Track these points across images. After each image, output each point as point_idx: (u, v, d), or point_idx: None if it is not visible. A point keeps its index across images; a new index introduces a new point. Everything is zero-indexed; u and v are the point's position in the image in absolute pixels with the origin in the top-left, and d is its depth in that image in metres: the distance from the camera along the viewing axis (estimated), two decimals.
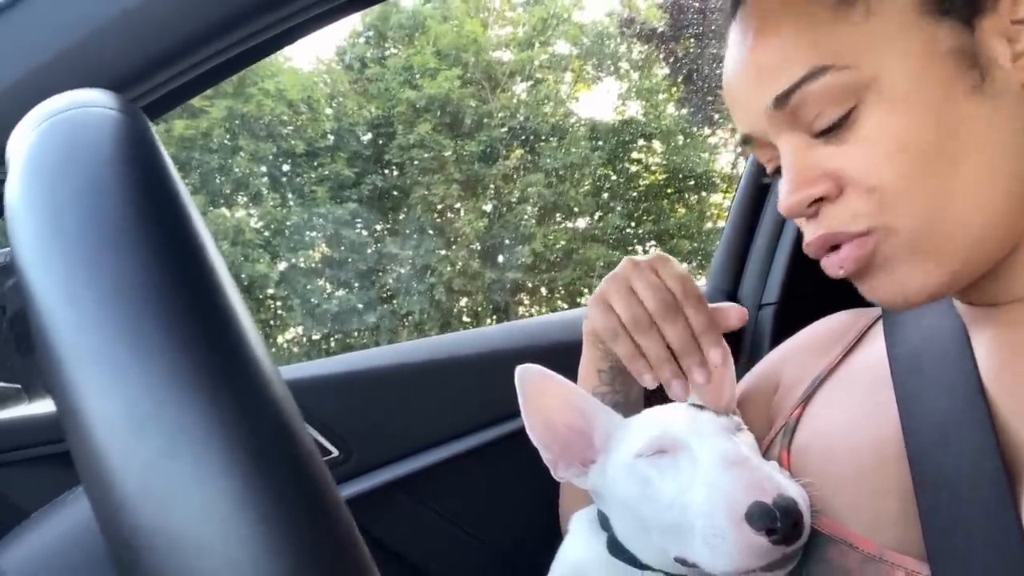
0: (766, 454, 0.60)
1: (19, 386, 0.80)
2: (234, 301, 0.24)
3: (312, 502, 0.22)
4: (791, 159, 0.49)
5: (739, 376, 0.72)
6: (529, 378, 0.59)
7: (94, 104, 0.26)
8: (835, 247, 0.50)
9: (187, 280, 0.23)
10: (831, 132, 0.47)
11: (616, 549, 0.60)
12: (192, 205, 0.25)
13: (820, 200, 0.49)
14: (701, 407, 0.61)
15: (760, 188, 1.10)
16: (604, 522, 0.62)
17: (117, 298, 0.22)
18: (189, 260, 0.23)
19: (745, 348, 1.09)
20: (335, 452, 0.87)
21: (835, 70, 0.45)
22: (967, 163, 0.45)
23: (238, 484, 0.21)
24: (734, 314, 0.62)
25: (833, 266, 0.50)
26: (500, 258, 10.36)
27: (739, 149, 0.59)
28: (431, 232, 10.22)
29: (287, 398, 0.23)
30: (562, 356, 0.79)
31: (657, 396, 0.65)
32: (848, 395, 0.58)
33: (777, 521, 0.47)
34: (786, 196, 0.49)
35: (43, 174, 0.24)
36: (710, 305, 0.62)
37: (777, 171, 0.52)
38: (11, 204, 0.26)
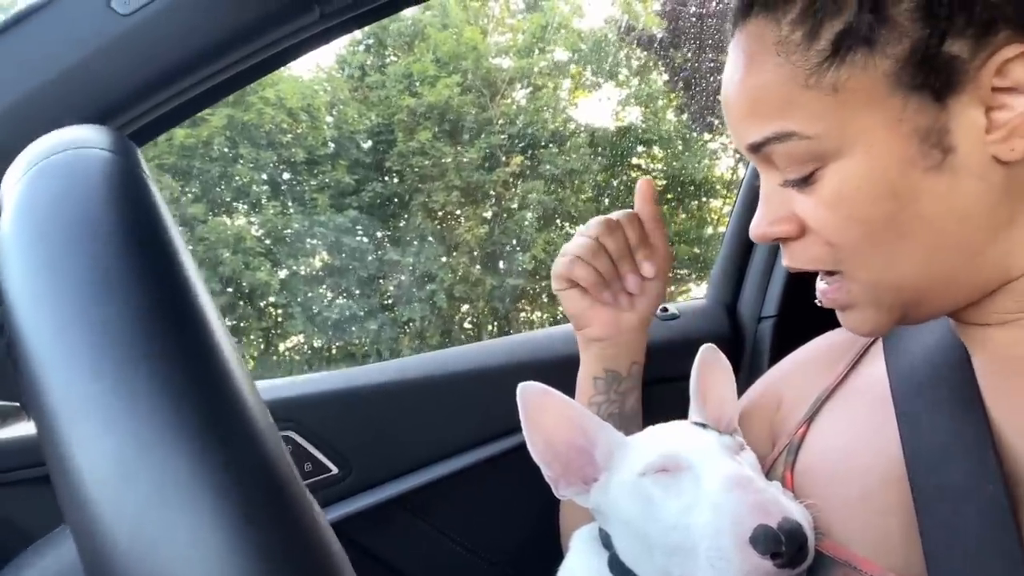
0: (769, 474, 0.60)
1: (18, 404, 0.79)
2: (224, 346, 0.23)
3: (303, 547, 0.21)
4: (765, 192, 0.53)
5: (739, 390, 0.72)
6: (530, 395, 0.59)
7: (86, 145, 0.26)
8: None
9: (174, 326, 0.23)
10: (797, 183, 0.49)
11: (617, 568, 0.59)
12: (183, 246, 0.25)
13: (785, 238, 0.52)
14: (704, 425, 0.61)
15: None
16: (606, 540, 0.62)
17: (105, 344, 0.22)
18: (176, 306, 0.23)
19: (745, 361, 1.08)
20: (334, 469, 0.87)
21: (800, 137, 0.47)
22: (918, 234, 0.47)
23: (227, 532, 0.20)
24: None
25: (819, 293, 0.55)
26: (501, 265, 10.36)
27: (739, 154, 0.61)
28: (432, 239, 10.22)
29: (277, 443, 0.23)
30: (563, 370, 0.79)
31: (652, 410, 0.65)
32: (851, 414, 0.58)
33: (782, 545, 0.46)
34: (755, 225, 0.54)
35: (35, 219, 0.24)
36: None
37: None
38: (3, 243, 0.25)
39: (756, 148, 0.50)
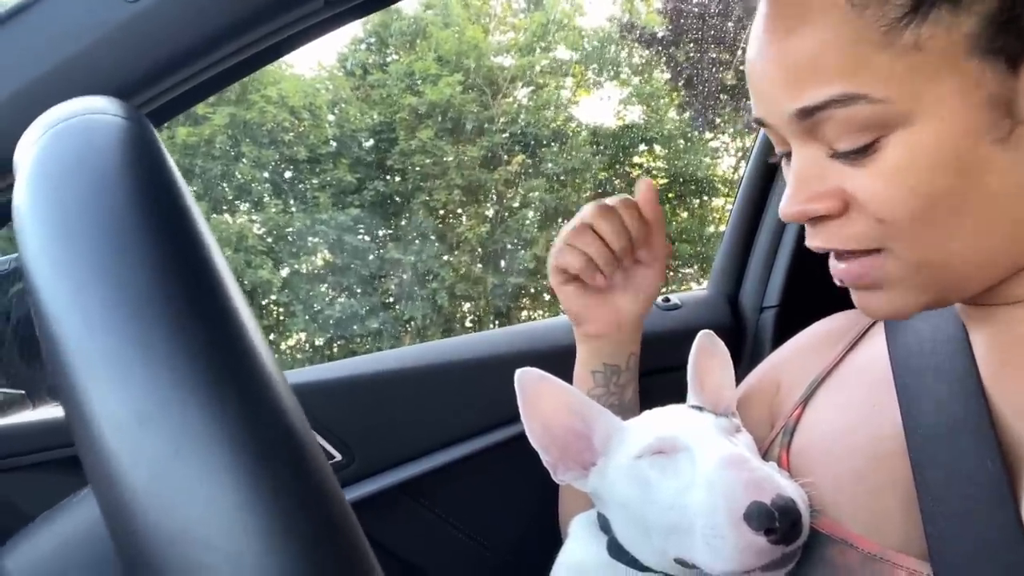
0: (766, 455, 0.61)
1: (23, 392, 0.80)
2: (238, 304, 0.24)
3: (315, 500, 0.22)
4: (801, 167, 0.48)
5: (739, 379, 0.72)
6: (528, 381, 0.59)
7: (100, 111, 0.27)
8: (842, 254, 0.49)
9: (191, 283, 0.23)
10: (850, 155, 0.45)
11: (617, 551, 0.60)
12: (197, 210, 0.26)
13: (824, 216, 0.48)
14: (700, 408, 0.61)
15: (761, 191, 1.10)
16: (604, 525, 0.62)
17: (123, 302, 0.22)
18: (193, 264, 0.24)
19: (746, 351, 1.09)
20: (338, 456, 0.87)
21: (868, 101, 0.43)
22: (976, 209, 0.44)
23: (242, 482, 0.21)
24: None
25: (836, 274, 0.50)
26: (502, 263, 10.36)
27: (741, 153, 0.59)
28: (433, 237, 10.23)
29: (290, 397, 0.24)
30: (563, 360, 0.79)
31: (654, 399, 0.66)
32: (848, 395, 0.59)
33: (776, 521, 0.47)
34: (788, 203, 0.48)
35: (50, 180, 0.25)
36: None
37: (787, 155, 0.51)
38: (19, 210, 0.26)
39: (808, 113, 0.45)
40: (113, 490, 0.21)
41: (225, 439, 0.21)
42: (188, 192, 0.26)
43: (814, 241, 0.50)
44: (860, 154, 0.44)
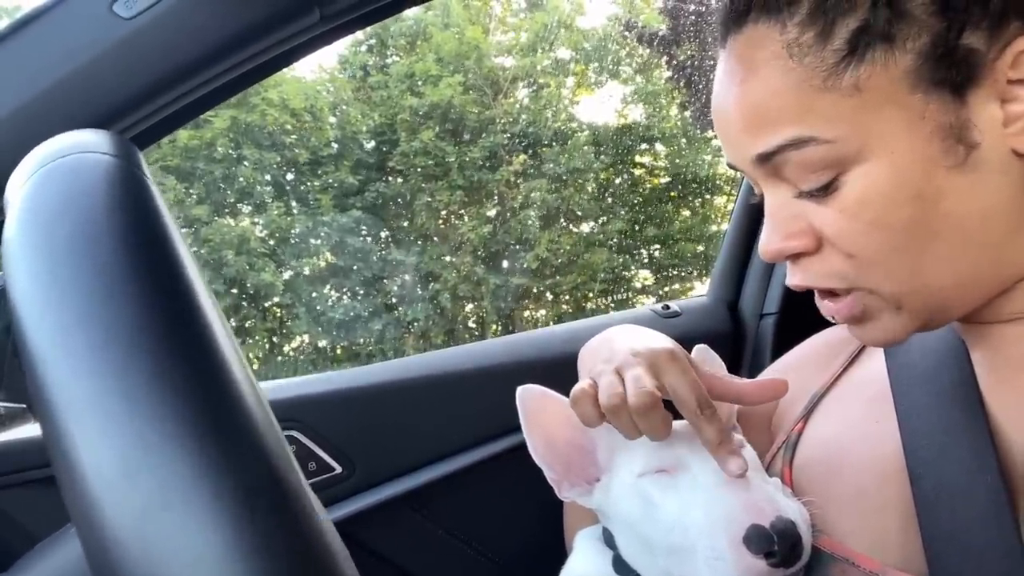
0: (768, 470, 0.60)
1: (24, 406, 0.80)
2: (225, 346, 0.24)
3: (301, 545, 0.22)
4: (772, 208, 0.50)
5: None
6: (529, 398, 0.59)
7: (90, 149, 0.26)
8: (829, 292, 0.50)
9: (177, 327, 0.23)
10: (814, 194, 0.47)
11: (621, 568, 0.60)
12: (185, 250, 0.26)
13: (800, 253, 0.49)
14: None
15: (760, 198, 1.10)
16: (609, 540, 0.62)
17: (109, 345, 0.22)
18: (179, 307, 0.24)
19: (746, 359, 1.09)
20: (338, 468, 0.87)
21: (818, 143, 0.45)
22: (943, 235, 0.45)
23: (227, 529, 0.21)
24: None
25: (827, 312, 0.52)
26: (504, 264, 10.36)
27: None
28: (435, 239, 10.24)
29: (276, 439, 0.23)
30: (564, 369, 0.79)
31: None
32: (849, 410, 0.58)
33: (775, 544, 0.47)
34: (765, 243, 0.50)
35: (39, 221, 0.25)
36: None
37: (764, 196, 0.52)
38: (8, 249, 0.26)
39: (766, 158, 0.47)
40: (97, 537, 0.21)
41: (209, 486, 0.21)
42: (176, 231, 0.26)
43: (794, 279, 0.51)
44: (823, 192, 0.46)
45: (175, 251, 0.25)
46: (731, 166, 0.53)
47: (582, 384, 0.57)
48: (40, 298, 0.24)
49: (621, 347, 0.59)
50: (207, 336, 0.23)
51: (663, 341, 0.60)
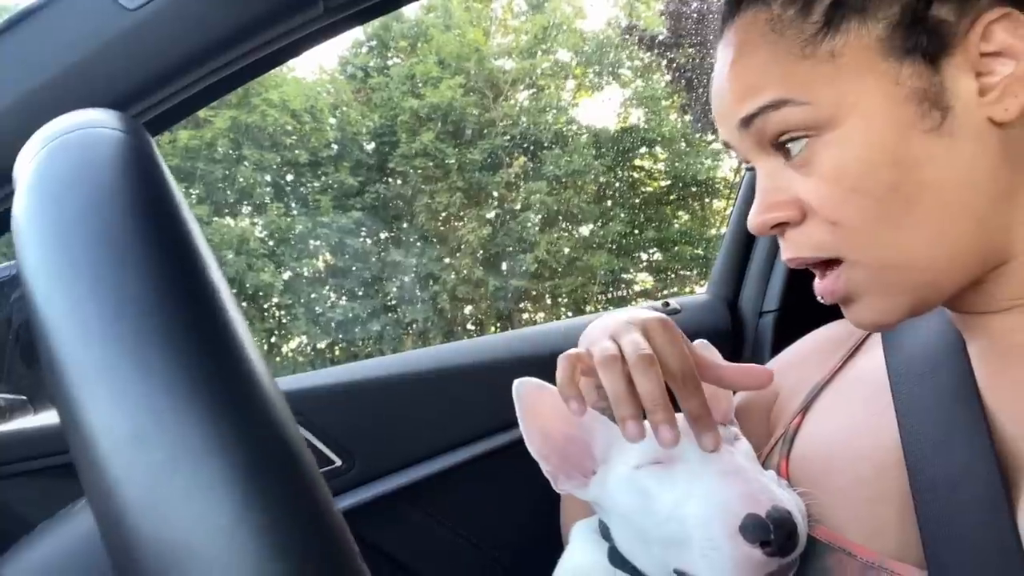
0: (765, 464, 0.61)
1: (24, 398, 0.80)
2: (234, 316, 0.24)
3: (309, 513, 0.22)
4: (762, 180, 0.52)
5: None
6: (526, 391, 0.59)
7: (99, 125, 0.27)
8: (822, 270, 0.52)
9: (188, 296, 0.23)
10: (798, 160, 0.49)
11: (617, 560, 0.60)
12: (195, 223, 0.26)
13: (785, 223, 0.51)
14: None
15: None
16: (605, 532, 0.62)
17: (120, 314, 0.23)
18: (189, 277, 0.24)
19: (746, 356, 1.09)
20: (338, 462, 0.88)
21: (793, 104, 0.47)
22: (924, 202, 0.46)
23: (237, 496, 0.21)
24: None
25: (817, 291, 0.53)
26: (504, 266, 10.37)
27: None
28: (434, 240, 10.25)
29: (284, 410, 0.24)
30: None
31: None
32: (847, 403, 0.59)
33: (771, 533, 0.47)
34: (752, 215, 0.52)
35: (49, 194, 0.25)
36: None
37: (753, 168, 0.54)
38: (18, 222, 0.26)
39: (748, 121, 0.50)
40: (108, 503, 0.22)
41: (219, 454, 0.21)
42: (185, 205, 0.26)
43: (786, 254, 0.53)
44: (805, 158, 0.48)
45: (183, 221, 0.25)
46: (725, 143, 0.55)
47: (573, 351, 0.57)
48: (50, 270, 0.24)
49: (617, 320, 0.60)
50: (215, 303, 0.24)
51: (658, 315, 0.61)
